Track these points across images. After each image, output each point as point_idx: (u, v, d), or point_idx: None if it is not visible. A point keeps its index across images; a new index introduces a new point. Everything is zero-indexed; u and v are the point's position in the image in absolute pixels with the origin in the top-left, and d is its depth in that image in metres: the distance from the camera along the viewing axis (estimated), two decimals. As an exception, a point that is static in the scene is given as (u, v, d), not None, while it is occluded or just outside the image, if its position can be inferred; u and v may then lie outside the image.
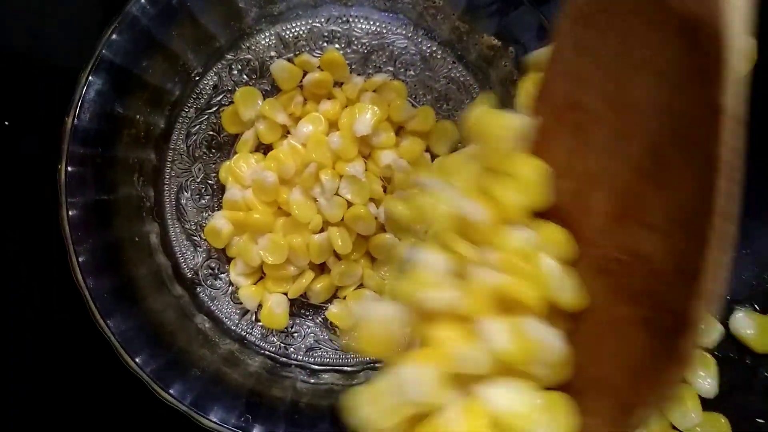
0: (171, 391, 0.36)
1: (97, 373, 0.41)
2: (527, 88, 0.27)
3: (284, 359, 0.42)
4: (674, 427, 0.34)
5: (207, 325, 0.41)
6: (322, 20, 0.42)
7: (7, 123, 0.44)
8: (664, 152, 0.19)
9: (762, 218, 0.36)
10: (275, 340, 0.42)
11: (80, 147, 0.36)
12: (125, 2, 0.36)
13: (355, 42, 0.42)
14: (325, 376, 0.41)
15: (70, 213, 0.35)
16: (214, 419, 0.36)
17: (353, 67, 0.42)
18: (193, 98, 0.41)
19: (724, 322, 0.36)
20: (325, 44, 0.42)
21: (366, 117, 0.39)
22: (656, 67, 0.19)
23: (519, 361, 0.21)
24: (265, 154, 0.42)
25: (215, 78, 0.42)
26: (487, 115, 0.25)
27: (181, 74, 0.41)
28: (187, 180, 0.42)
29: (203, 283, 0.42)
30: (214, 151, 0.42)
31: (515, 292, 0.22)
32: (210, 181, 0.42)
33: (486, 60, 0.41)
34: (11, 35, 0.44)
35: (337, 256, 0.41)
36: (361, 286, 0.42)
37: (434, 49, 0.42)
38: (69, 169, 0.35)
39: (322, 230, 0.41)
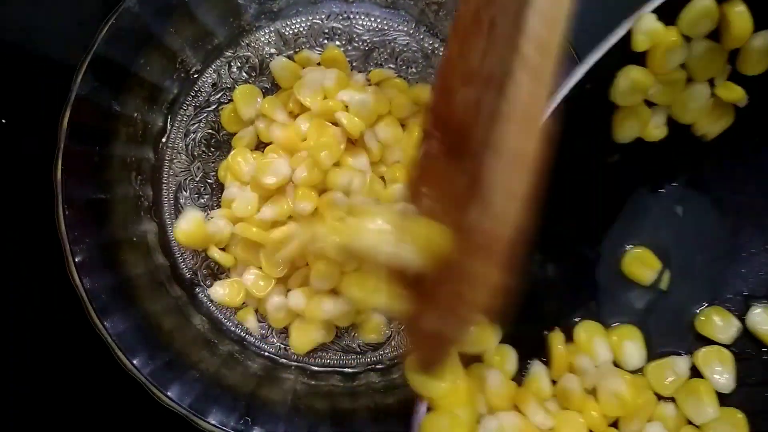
0: (169, 393, 0.35)
1: (94, 375, 0.41)
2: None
3: (284, 360, 0.41)
4: (690, 422, 0.33)
5: (206, 326, 0.40)
6: (323, 17, 0.41)
7: (4, 121, 0.44)
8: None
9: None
10: (275, 341, 0.41)
11: (76, 145, 0.35)
12: (122, -2, 0.36)
13: (356, 39, 0.42)
14: (326, 377, 0.41)
15: (66, 212, 0.35)
16: (213, 422, 0.36)
17: (354, 64, 0.42)
18: (192, 96, 0.41)
19: (742, 318, 0.35)
20: (326, 41, 0.42)
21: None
22: None
23: None
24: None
25: (214, 75, 0.41)
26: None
27: (180, 71, 0.40)
28: (185, 179, 0.41)
29: (202, 284, 0.41)
30: (213, 149, 0.42)
31: None
32: (209, 180, 0.42)
33: (489, 57, 0.41)
34: (8, 30, 0.44)
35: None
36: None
37: (436, 46, 0.42)
38: (65, 167, 0.35)
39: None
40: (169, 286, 0.40)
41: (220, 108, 0.41)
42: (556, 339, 0.34)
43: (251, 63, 0.41)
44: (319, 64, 0.41)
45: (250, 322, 0.41)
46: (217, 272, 0.42)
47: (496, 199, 0.21)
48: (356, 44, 0.42)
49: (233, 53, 0.41)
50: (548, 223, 0.33)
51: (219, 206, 0.42)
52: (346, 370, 0.41)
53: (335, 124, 0.40)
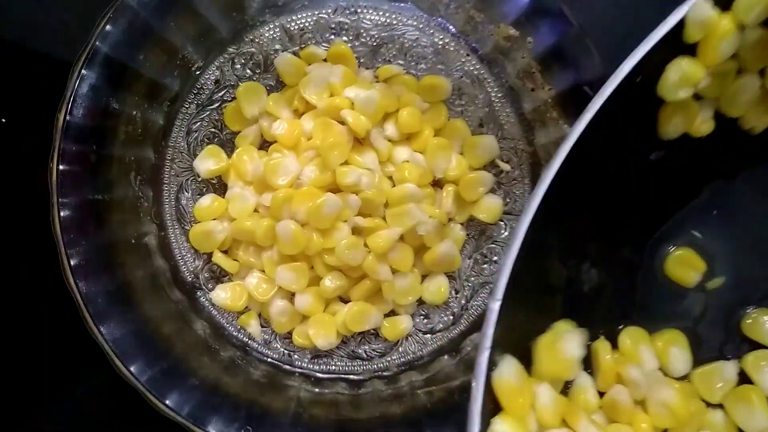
0: (167, 402, 0.35)
1: (90, 382, 0.40)
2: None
3: (288, 367, 0.40)
4: (741, 431, 0.32)
5: (207, 332, 0.40)
6: (329, 11, 0.40)
7: (4, 120, 0.43)
8: None
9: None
10: (278, 346, 0.40)
11: (73, 144, 0.35)
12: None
13: (364, 34, 0.40)
14: (331, 384, 0.40)
15: (61, 213, 0.34)
16: (213, 431, 0.35)
17: (362, 60, 0.40)
18: (194, 93, 0.40)
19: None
20: (332, 36, 0.40)
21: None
22: None
23: None
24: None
25: (217, 72, 0.40)
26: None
27: (181, 68, 0.39)
28: (187, 179, 0.40)
29: (204, 287, 0.40)
30: (216, 149, 0.41)
31: None
32: (212, 180, 0.41)
33: (502, 52, 0.39)
34: (8, 28, 0.43)
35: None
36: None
37: (447, 40, 0.40)
38: (61, 167, 0.34)
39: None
40: (169, 290, 0.39)
41: (223, 106, 0.40)
42: (603, 348, 0.32)
43: (255, 59, 0.40)
44: (325, 60, 0.40)
45: (253, 326, 0.40)
46: (220, 275, 0.40)
47: None
48: (364, 39, 0.40)
49: (236, 49, 0.40)
50: (590, 225, 0.32)
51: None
52: (351, 377, 0.40)
53: (342, 122, 0.38)
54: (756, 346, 0.34)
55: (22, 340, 0.42)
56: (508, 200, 0.40)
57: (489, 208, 0.40)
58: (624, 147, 0.31)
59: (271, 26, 0.40)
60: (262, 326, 0.40)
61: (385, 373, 0.40)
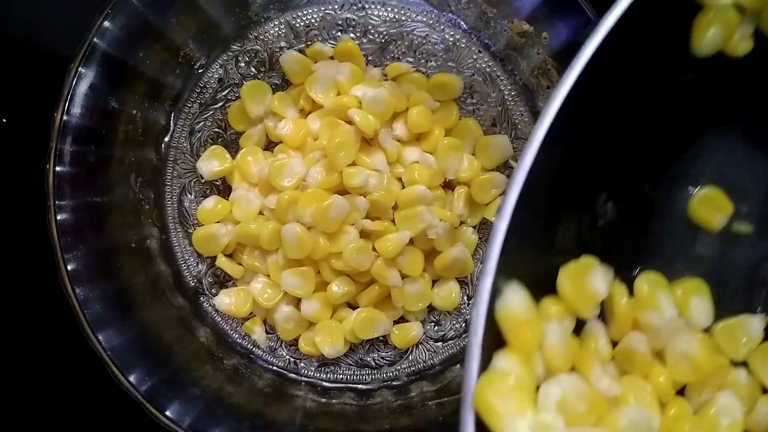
0: (168, 413, 0.34)
1: (87, 392, 0.40)
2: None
3: (293, 375, 0.39)
4: (766, 390, 0.30)
5: (210, 339, 0.39)
6: (336, 7, 0.39)
7: (4, 120, 0.42)
8: None
9: None
10: (284, 353, 0.39)
11: (71, 145, 0.34)
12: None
13: (372, 30, 0.39)
14: (338, 394, 0.39)
15: (58, 217, 0.34)
16: (215, 443, 0.34)
17: (369, 58, 0.39)
18: (197, 92, 0.39)
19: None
20: (339, 33, 0.39)
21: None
22: None
23: None
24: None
25: (220, 70, 0.39)
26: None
27: (183, 66, 0.38)
28: (190, 181, 0.40)
29: (207, 293, 0.39)
30: (219, 149, 0.40)
31: None
32: (216, 182, 0.40)
33: (515, 48, 0.38)
34: (5, 23, 0.42)
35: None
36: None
37: (458, 37, 0.39)
38: (58, 168, 0.34)
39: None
40: (171, 296, 0.38)
41: (226, 105, 0.39)
42: (619, 292, 0.29)
43: (260, 57, 0.39)
44: (332, 57, 0.39)
45: (258, 333, 0.39)
46: (224, 280, 0.39)
47: None
48: (372, 36, 0.39)
49: (241, 47, 0.39)
50: (610, 154, 0.29)
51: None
52: (359, 386, 0.39)
53: (349, 122, 0.37)
54: None
55: (19, 345, 0.41)
56: (522, 202, 0.39)
57: (502, 210, 0.39)
58: (654, 65, 0.28)
59: (276, 23, 0.39)
60: (267, 333, 0.39)
61: (394, 383, 0.39)
